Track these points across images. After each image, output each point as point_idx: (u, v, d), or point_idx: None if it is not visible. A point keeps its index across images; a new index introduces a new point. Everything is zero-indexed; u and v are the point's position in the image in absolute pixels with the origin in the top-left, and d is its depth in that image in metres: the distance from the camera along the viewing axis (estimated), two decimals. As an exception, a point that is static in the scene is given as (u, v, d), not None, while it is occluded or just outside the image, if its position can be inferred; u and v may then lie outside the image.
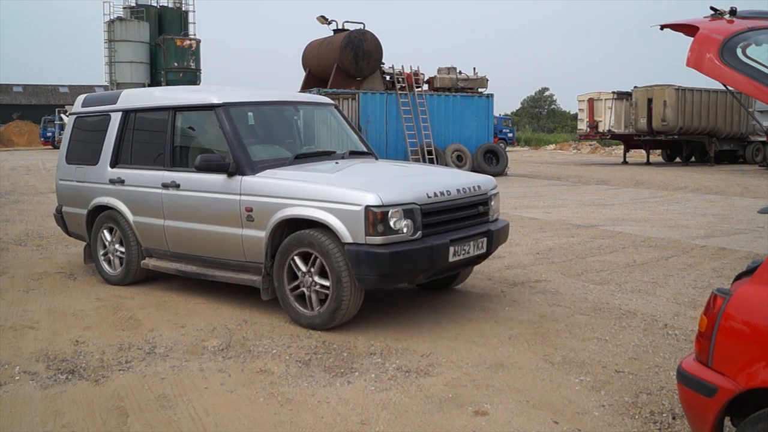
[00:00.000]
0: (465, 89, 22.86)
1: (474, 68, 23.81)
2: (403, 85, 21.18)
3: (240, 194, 5.35)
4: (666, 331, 5.03)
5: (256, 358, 4.46)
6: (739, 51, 2.47)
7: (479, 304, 5.79)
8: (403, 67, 21.69)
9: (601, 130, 30.68)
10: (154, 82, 40.09)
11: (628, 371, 4.22)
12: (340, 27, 22.16)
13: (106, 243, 6.61)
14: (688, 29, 2.72)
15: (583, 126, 32.02)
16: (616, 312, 5.55)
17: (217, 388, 3.95)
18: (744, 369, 2.34)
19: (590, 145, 43.27)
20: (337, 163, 5.92)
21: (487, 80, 23.34)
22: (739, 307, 2.40)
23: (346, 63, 20.83)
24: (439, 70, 23.19)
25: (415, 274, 5.02)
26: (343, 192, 4.85)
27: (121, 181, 6.34)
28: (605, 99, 30.21)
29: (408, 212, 4.80)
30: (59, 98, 60.98)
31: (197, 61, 41.34)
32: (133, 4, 41.90)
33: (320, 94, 19.39)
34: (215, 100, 5.72)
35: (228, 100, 5.75)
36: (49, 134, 46.31)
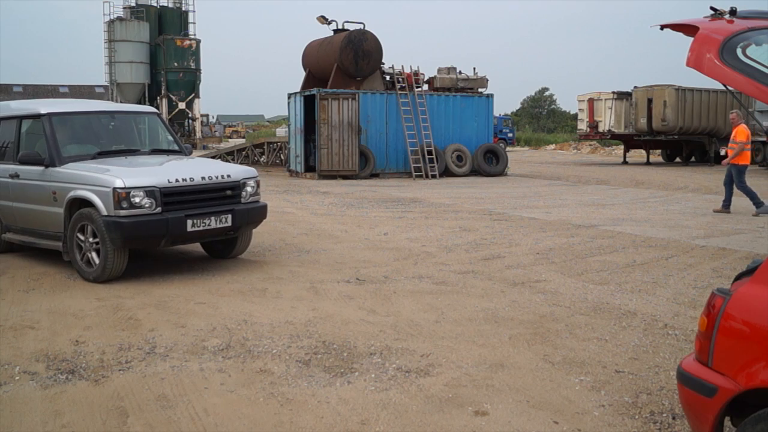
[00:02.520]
0: (465, 89, 22.86)
1: (474, 68, 23.85)
2: (403, 85, 21.18)
3: (50, 181, 7.00)
4: (666, 331, 5.03)
5: (256, 358, 4.46)
6: (739, 51, 2.47)
7: (479, 304, 5.79)
8: (403, 67, 21.71)
9: (601, 130, 30.67)
10: (154, 82, 40.12)
11: (628, 371, 4.22)
12: (340, 27, 22.16)
13: None
14: (688, 29, 2.71)
15: (583, 126, 32.01)
16: (616, 312, 5.55)
17: (217, 388, 3.95)
18: (744, 369, 2.34)
19: (590, 145, 43.26)
20: (126, 158, 7.40)
21: (487, 80, 23.37)
22: (739, 307, 2.40)
23: (346, 63, 20.83)
24: (439, 70, 23.19)
25: (156, 239, 6.61)
26: (101, 177, 6.47)
27: None
28: (605, 99, 30.20)
29: (150, 193, 6.40)
30: (59, 98, 60.96)
31: (197, 61, 41.36)
32: (133, 4, 41.90)
33: (320, 94, 19.53)
34: (42, 111, 7.40)
35: (52, 111, 7.44)
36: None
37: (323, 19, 22.38)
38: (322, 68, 21.80)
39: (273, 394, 3.86)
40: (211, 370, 4.24)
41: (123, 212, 6.29)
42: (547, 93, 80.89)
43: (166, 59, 40.43)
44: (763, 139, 28.37)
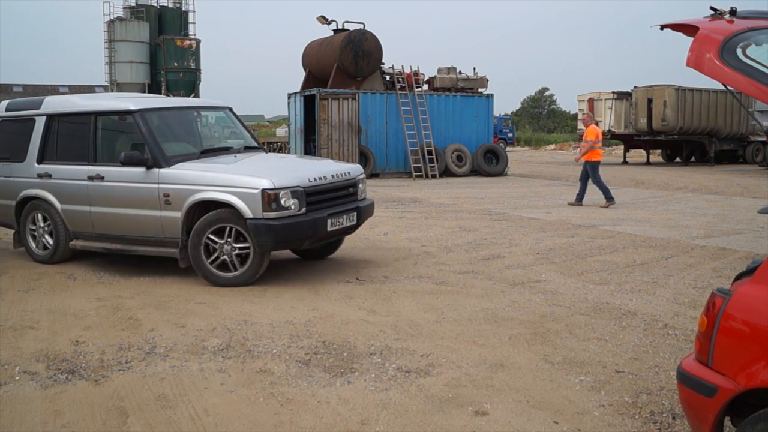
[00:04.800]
0: (465, 89, 22.86)
1: (474, 68, 23.84)
2: (403, 85, 21.18)
3: (158, 183, 6.47)
4: (666, 331, 5.03)
5: (256, 358, 4.46)
6: (739, 51, 2.47)
7: (479, 304, 5.79)
8: (403, 67, 21.70)
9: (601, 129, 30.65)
10: (154, 82, 40.08)
11: (628, 371, 4.22)
12: (340, 27, 22.16)
13: (36, 228, 7.52)
14: (688, 29, 2.72)
15: (583, 126, 32.00)
16: (616, 312, 5.55)
17: (217, 388, 3.95)
18: (744, 369, 2.34)
19: (590, 145, 43.19)
20: (235, 156, 7.21)
21: (487, 80, 23.37)
22: (739, 307, 2.40)
23: (346, 63, 20.83)
24: (439, 70, 23.19)
25: (302, 240, 6.39)
26: (244, 179, 6.15)
27: (49, 175, 7.31)
28: (605, 99, 30.18)
29: (295, 193, 6.15)
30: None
31: (197, 61, 41.31)
32: (133, 4, 41.87)
33: (320, 94, 19.53)
34: (132, 107, 6.86)
35: (143, 106, 6.91)
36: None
37: (323, 19, 22.38)
38: (322, 68, 21.81)
39: (273, 394, 3.86)
40: (211, 370, 4.24)
41: (273, 214, 5.99)
42: (547, 93, 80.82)
43: (166, 59, 40.37)
44: (763, 139, 28.38)
